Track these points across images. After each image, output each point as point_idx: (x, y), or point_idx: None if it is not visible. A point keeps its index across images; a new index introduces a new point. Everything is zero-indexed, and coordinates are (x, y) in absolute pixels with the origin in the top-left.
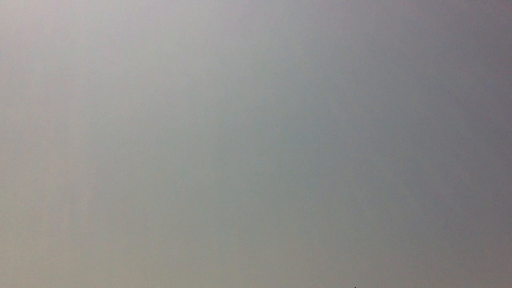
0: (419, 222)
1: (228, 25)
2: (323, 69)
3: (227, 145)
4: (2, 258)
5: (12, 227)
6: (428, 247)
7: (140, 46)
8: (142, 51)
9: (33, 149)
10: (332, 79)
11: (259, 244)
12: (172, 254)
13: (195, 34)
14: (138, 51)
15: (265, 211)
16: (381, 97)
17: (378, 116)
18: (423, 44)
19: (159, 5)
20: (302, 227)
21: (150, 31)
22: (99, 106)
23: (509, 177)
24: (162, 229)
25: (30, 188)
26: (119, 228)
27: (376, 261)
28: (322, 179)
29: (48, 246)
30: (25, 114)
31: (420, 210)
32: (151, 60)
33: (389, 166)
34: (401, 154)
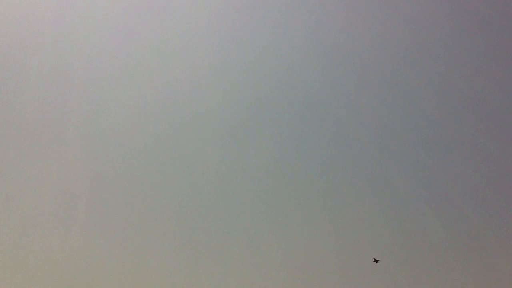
0: (426, 222)
1: (231, 24)
2: (327, 69)
3: (229, 146)
4: (1, 257)
5: (10, 228)
6: (435, 248)
7: (140, 45)
8: (142, 51)
9: (32, 149)
10: (337, 79)
11: (261, 245)
12: (171, 254)
13: (197, 33)
14: (138, 51)
15: (267, 212)
16: (387, 97)
17: (384, 116)
18: (431, 44)
19: (160, 4)
20: (305, 227)
21: (150, 30)
22: (98, 106)
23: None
24: (160, 230)
25: (29, 188)
26: (117, 228)
27: (381, 262)
28: (327, 180)
29: (46, 245)
30: (24, 115)
31: (427, 210)
32: (151, 60)
33: (395, 167)
34: (408, 154)
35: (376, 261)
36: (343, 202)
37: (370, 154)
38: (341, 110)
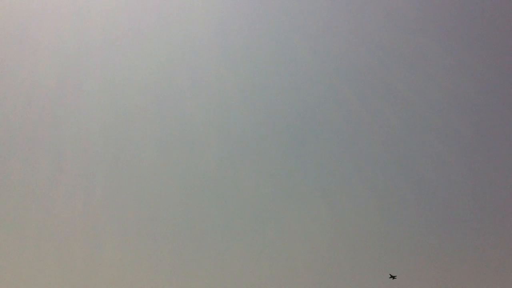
0: (419, 220)
1: (233, 26)
2: (327, 71)
3: (232, 146)
4: (15, 254)
5: (25, 224)
6: (427, 244)
7: (148, 47)
8: (150, 53)
9: (47, 146)
10: (336, 81)
11: (262, 243)
12: (179, 250)
13: (201, 36)
14: (147, 53)
15: (269, 211)
16: (383, 99)
17: (380, 118)
18: (426, 47)
19: (167, 7)
20: (305, 226)
21: (157, 33)
22: (109, 107)
23: (508, 176)
24: (169, 228)
25: (44, 184)
26: (129, 225)
27: (377, 259)
28: (325, 179)
29: (60, 242)
30: (40, 112)
31: (420, 209)
32: (159, 60)
33: (391, 167)
34: (403, 154)
35: (393, 277)
36: (343, 205)
37: (374, 161)
38: (344, 116)
